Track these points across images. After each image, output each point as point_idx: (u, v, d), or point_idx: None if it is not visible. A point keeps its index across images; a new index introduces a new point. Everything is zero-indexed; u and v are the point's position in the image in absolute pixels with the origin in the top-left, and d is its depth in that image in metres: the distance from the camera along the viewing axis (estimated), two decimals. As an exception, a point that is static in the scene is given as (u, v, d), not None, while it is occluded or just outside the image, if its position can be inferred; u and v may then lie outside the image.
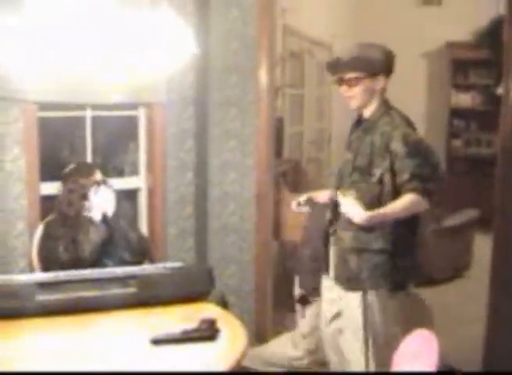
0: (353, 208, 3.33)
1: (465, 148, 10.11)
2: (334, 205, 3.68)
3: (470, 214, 7.61)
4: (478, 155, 9.82)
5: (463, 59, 9.79)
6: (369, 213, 3.30)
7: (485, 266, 4.74)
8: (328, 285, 3.79)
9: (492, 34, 8.23)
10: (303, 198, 3.97)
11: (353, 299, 3.59)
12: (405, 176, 3.37)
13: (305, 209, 3.99)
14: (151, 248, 4.26)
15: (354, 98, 3.60)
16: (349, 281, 3.58)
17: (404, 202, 3.36)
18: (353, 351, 3.65)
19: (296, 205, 3.98)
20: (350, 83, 3.56)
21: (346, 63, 3.58)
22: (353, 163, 3.56)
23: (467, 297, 6.20)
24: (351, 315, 3.61)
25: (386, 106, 3.62)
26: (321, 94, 9.25)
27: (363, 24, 8.89)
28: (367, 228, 3.50)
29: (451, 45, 9.72)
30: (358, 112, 3.70)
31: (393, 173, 3.43)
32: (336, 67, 3.64)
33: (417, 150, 3.44)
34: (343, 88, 3.62)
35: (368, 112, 3.63)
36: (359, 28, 8.67)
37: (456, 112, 10.00)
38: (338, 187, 3.66)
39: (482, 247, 5.04)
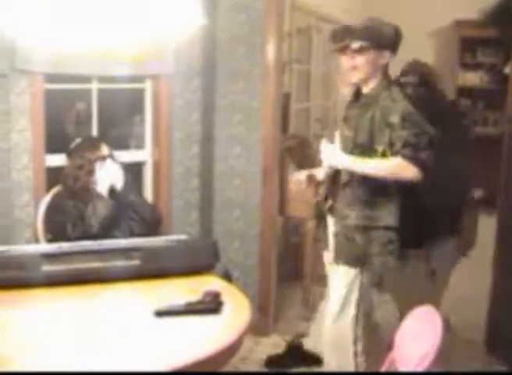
0: (334, 153, 3.36)
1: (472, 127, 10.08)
2: (330, 181, 3.68)
3: (475, 193, 7.59)
4: (484, 134, 9.78)
5: (471, 38, 9.73)
6: (351, 158, 3.32)
7: (489, 245, 4.74)
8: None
9: (501, 13, 8.15)
10: (302, 176, 3.96)
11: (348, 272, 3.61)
12: (398, 145, 3.37)
13: (304, 186, 3.96)
14: (162, 218, 4.25)
15: (357, 69, 3.57)
16: (356, 259, 3.58)
17: (390, 163, 3.37)
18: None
19: (296, 183, 3.94)
20: (356, 52, 3.53)
21: (356, 31, 3.55)
22: (353, 140, 3.54)
23: (470, 275, 6.19)
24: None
25: (387, 82, 3.60)
26: (328, 71, 9.21)
27: (373, 1, 8.83)
28: (373, 204, 3.51)
29: (459, 24, 9.65)
30: (358, 86, 3.67)
31: (391, 145, 3.43)
32: (344, 34, 3.59)
33: (413, 121, 3.42)
34: (346, 58, 3.58)
35: (368, 87, 3.61)
36: (369, 5, 8.62)
37: (463, 91, 9.94)
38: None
39: (486, 227, 5.03)
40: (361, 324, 3.71)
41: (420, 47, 9.33)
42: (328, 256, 3.86)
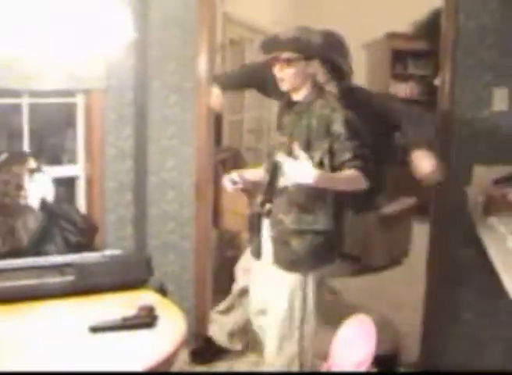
0: (302, 166, 3.21)
1: (402, 137, 10.17)
2: (268, 186, 3.70)
3: (407, 202, 7.71)
4: (415, 145, 9.89)
5: (402, 50, 9.90)
6: (319, 172, 3.24)
7: (423, 253, 4.81)
8: (258, 268, 3.83)
9: (430, 26, 8.31)
10: (234, 175, 3.93)
11: (290, 279, 3.62)
12: (347, 155, 3.40)
13: (239, 186, 3.95)
14: (97, 226, 4.22)
15: (286, 79, 3.59)
16: (291, 263, 3.60)
17: (349, 175, 3.38)
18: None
19: (230, 182, 3.92)
20: (285, 63, 3.54)
21: (284, 42, 3.56)
22: (289, 146, 3.55)
23: (405, 283, 6.28)
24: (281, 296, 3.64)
25: (319, 90, 3.63)
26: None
27: (304, 12, 8.89)
28: (308, 209, 3.53)
29: (391, 36, 9.81)
30: (288, 94, 3.70)
31: (332, 154, 3.45)
32: (273, 45, 3.61)
33: (357, 132, 3.47)
34: (276, 68, 3.60)
35: (299, 95, 3.64)
36: (300, 16, 8.67)
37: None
38: (272, 170, 3.67)
39: (420, 234, 5.11)
40: (309, 323, 3.72)
41: (353, 58, 9.44)
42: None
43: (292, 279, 3.63)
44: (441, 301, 4.68)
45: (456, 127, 4.53)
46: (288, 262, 3.61)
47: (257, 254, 3.83)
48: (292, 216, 3.57)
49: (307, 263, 3.63)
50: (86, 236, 3.94)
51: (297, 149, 3.24)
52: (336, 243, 3.69)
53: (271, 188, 3.70)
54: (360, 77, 9.94)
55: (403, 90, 10.15)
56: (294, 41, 3.54)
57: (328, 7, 9.36)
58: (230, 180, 3.90)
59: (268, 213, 3.70)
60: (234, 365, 4.78)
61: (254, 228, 3.83)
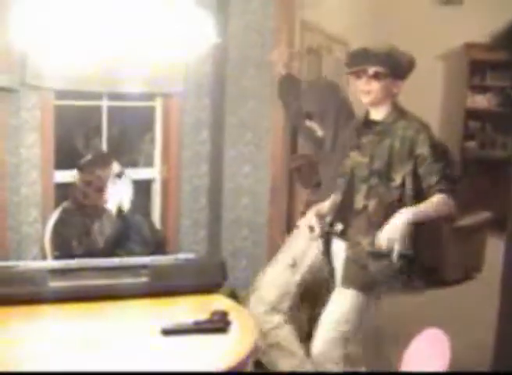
0: (395, 222, 3.27)
1: (480, 149, 10.04)
2: (341, 205, 3.67)
3: (483, 216, 7.58)
4: (492, 157, 9.75)
5: (480, 61, 9.74)
6: (410, 211, 3.26)
7: (497, 269, 4.71)
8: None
9: (510, 36, 8.18)
10: (312, 219, 3.80)
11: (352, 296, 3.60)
12: (434, 178, 3.38)
13: (317, 233, 3.83)
14: (165, 241, 4.24)
15: (371, 93, 3.56)
16: (366, 286, 3.56)
17: (436, 202, 3.36)
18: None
19: (310, 230, 3.82)
20: (372, 77, 3.52)
21: (376, 55, 3.54)
22: (369, 167, 3.53)
23: (477, 299, 6.16)
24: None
25: (400, 110, 3.61)
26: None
27: (381, 22, 8.84)
28: None
29: (469, 46, 9.67)
30: (366, 110, 3.68)
31: (416, 176, 3.43)
32: (363, 57, 3.58)
33: (443, 153, 3.47)
34: (362, 81, 3.57)
35: (379, 114, 3.62)
36: (377, 25, 8.63)
37: (471, 114, 9.95)
38: (348, 190, 3.64)
39: (495, 250, 5.00)
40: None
41: (429, 69, 9.37)
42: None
43: (355, 298, 3.61)
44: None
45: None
46: (363, 284, 3.57)
47: (329, 273, 3.81)
48: (370, 238, 3.52)
49: (382, 287, 3.61)
50: (152, 250, 3.95)
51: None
52: (414, 267, 3.64)
53: (344, 208, 3.66)
54: (436, 89, 9.91)
55: (481, 101, 9.99)
56: (385, 56, 3.53)
57: (406, 17, 9.29)
58: (309, 227, 3.80)
59: (341, 233, 3.67)
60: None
61: (323, 248, 3.82)
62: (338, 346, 3.64)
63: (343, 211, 3.67)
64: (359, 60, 3.60)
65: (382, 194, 3.43)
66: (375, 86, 3.54)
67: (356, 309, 3.60)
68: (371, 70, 3.52)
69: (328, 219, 3.76)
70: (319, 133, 4.32)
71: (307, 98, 4.41)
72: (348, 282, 3.60)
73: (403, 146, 3.47)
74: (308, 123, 4.37)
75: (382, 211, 3.45)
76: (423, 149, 3.43)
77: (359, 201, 3.57)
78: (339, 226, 3.69)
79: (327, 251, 3.81)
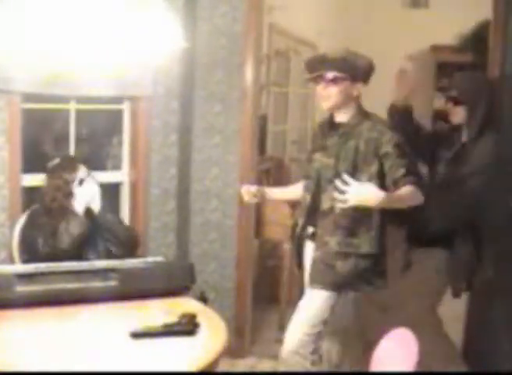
0: (368, 188, 3.24)
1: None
2: (310, 208, 3.71)
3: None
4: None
5: (447, 63, 9.81)
6: (384, 193, 3.25)
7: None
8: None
9: (477, 38, 8.25)
10: (253, 187, 3.90)
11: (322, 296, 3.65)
12: (401, 171, 3.44)
13: (254, 201, 3.93)
14: (138, 238, 4.23)
15: (330, 98, 3.62)
16: (334, 285, 3.62)
17: (408, 192, 3.40)
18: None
19: (248, 194, 3.88)
20: (330, 82, 3.59)
21: (331, 61, 3.60)
22: (335, 168, 3.57)
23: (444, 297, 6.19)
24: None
25: (364, 112, 3.66)
26: (306, 94, 9.25)
27: (349, 24, 8.91)
28: (353, 232, 3.57)
29: (436, 48, 9.75)
30: (330, 115, 3.73)
31: (381, 176, 3.48)
32: (320, 63, 3.64)
33: (404, 150, 3.53)
34: (321, 87, 3.64)
35: (343, 117, 3.68)
36: (345, 28, 8.70)
37: (439, 115, 9.99)
38: (316, 192, 3.68)
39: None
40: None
41: (396, 70, 9.40)
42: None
43: (324, 295, 3.65)
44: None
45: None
46: (331, 283, 3.62)
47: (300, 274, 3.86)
48: (337, 238, 3.59)
49: (350, 285, 3.66)
50: (127, 248, 3.96)
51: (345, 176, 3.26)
52: (378, 266, 3.69)
53: (313, 211, 3.71)
54: (404, 90, 9.91)
55: (449, 103, 10.04)
56: (342, 61, 3.59)
57: (373, 19, 9.35)
58: (247, 192, 3.86)
59: (312, 236, 3.72)
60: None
61: (295, 253, 3.87)
62: (308, 343, 3.69)
63: (312, 213, 3.71)
64: (316, 66, 3.65)
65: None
66: (333, 90, 3.60)
67: (323, 308, 3.65)
68: (328, 75, 3.58)
69: (299, 221, 3.80)
70: None
71: None
72: (316, 281, 3.65)
73: (368, 147, 3.53)
74: None
75: (349, 211, 3.48)
76: (387, 148, 3.50)
77: (325, 202, 3.61)
78: (309, 229, 3.74)
79: (298, 254, 3.86)
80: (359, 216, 3.52)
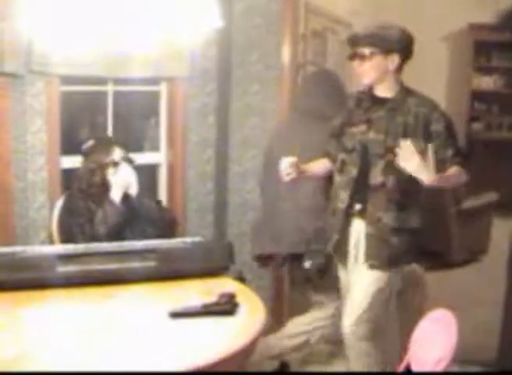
0: (422, 167, 3.25)
1: (486, 131, 9.99)
2: (357, 183, 3.68)
3: (489, 198, 7.54)
4: (499, 139, 9.71)
5: (485, 42, 9.68)
6: (437, 174, 3.28)
7: (503, 250, 4.71)
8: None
9: (515, 17, 8.14)
10: (292, 159, 3.71)
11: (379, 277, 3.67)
12: (450, 151, 3.51)
13: (293, 175, 3.72)
14: (176, 220, 4.25)
15: (365, 73, 3.66)
16: (390, 260, 3.65)
17: (456, 172, 3.49)
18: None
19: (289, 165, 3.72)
20: (363, 58, 3.61)
21: (361, 38, 3.64)
22: (384, 144, 3.58)
23: (483, 281, 6.15)
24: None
25: (406, 89, 3.67)
26: (343, 73, 9.20)
27: (384, 3, 8.81)
28: (405, 207, 3.62)
29: (474, 27, 9.60)
30: (369, 88, 3.74)
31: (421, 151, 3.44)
32: (353, 41, 3.69)
33: (454, 129, 3.60)
34: (355, 63, 3.67)
35: (385, 91, 3.68)
36: (380, 7, 8.60)
37: (477, 95, 9.90)
38: (364, 167, 3.65)
39: (500, 231, 5.00)
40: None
41: (434, 50, 9.32)
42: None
43: (381, 277, 3.66)
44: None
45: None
46: (387, 259, 3.65)
47: (345, 256, 3.83)
48: (391, 214, 3.61)
49: (404, 260, 3.74)
50: (164, 232, 3.96)
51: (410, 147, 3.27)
52: (423, 241, 3.72)
53: (362, 186, 3.68)
54: (440, 71, 9.86)
55: (487, 82, 9.94)
56: (371, 36, 3.61)
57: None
58: (289, 162, 3.71)
59: (362, 212, 3.70)
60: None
61: (338, 228, 3.82)
62: (367, 322, 3.72)
63: (359, 188, 3.69)
64: (350, 45, 3.71)
65: (399, 170, 3.43)
66: (367, 66, 3.63)
67: (380, 286, 3.68)
68: (360, 52, 3.62)
69: (345, 197, 3.75)
70: None
71: None
72: (372, 258, 3.66)
73: (418, 122, 3.56)
74: None
75: (401, 186, 3.54)
76: (438, 126, 3.54)
77: (376, 177, 3.60)
78: (357, 206, 3.72)
79: (344, 232, 3.81)
80: (410, 191, 3.57)
